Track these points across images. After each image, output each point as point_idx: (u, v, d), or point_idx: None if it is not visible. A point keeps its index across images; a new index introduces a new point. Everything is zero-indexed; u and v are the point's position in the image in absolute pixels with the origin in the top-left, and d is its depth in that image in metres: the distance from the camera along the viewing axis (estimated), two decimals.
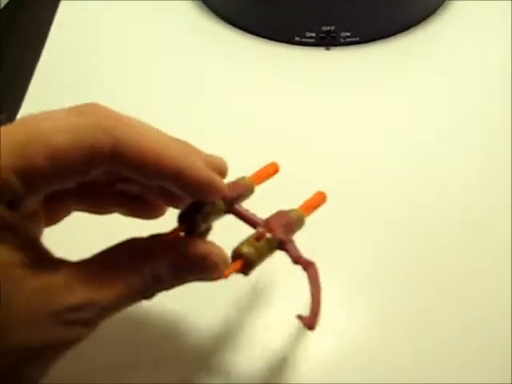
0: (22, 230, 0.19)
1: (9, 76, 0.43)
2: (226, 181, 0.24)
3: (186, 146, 0.23)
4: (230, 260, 0.23)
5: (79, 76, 0.43)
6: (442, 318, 0.28)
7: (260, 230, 0.24)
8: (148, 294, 0.21)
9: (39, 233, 0.23)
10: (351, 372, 0.26)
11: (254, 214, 0.25)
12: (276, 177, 0.27)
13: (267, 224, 0.24)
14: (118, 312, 0.20)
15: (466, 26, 0.47)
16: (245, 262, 0.22)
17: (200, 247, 0.22)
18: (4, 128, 0.19)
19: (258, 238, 0.23)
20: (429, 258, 0.31)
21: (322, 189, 0.27)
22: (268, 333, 0.27)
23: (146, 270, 0.21)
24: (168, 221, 0.24)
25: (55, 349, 0.19)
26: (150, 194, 0.25)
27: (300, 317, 0.23)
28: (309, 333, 0.23)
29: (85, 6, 0.50)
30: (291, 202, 0.25)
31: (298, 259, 0.24)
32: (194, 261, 0.22)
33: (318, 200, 0.26)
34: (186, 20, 0.49)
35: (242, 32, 0.47)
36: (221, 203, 0.24)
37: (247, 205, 0.25)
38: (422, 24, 0.47)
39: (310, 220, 0.25)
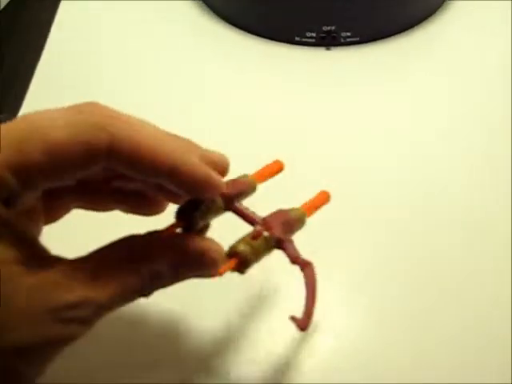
0: (19, 227, 0.19)
1: (9, 76, 0.43)
2: (228, 179, 0.24)
3: (184, 142, 0.22)
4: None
5: (79, 76, 0.43)
6: (442, 318, 0.28)
7: (257, 228, 0.23)
8: (146, 291, 0.21)
9: (37, 230, 0.23)
10: (351, 372, 0.26)
11: (253, 213, 0.25)
12: (276, 176, 0.27)
13: (265, 223, 0.24)
14: (115, 309, 0.20)
15: (465, 26, 0.47)
16: (240, 260, 0.22)
17: (198, 244, 0.22)
18: (3, 125, 0.19)
19: (255, 236, 0.23)
20: (429, 257, 0.31)
21: (322, 188, 0.27)
22: (271, 337, 0.27)
23: (143, 268, 0.21)
24: (167, 217, 0.24)
25: (52, 346, 0.19)
26: (149, 190, 0.25)
27: (293, 318, 0.22)
28: (310, 334, 0.23)
29: (85, 6, 0.50)
30: (290, 201, 0.25)
31: (295, 259, 0.24)
32: (193, 257, 0.22)
33: (321, 199, 0.26)
34: (186, 20, 0.49)
35: (242, 32, 0.47)
36: (220, 200, 0.24)
37: (248, 203, 0.25)
38: (422, 24, 0.47)
39: (310, 219, 0.25)
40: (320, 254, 0.25)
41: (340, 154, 0.37)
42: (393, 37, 0.46)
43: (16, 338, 0.18)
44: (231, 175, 0.25)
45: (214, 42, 0.47)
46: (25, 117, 0.20)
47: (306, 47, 0.45)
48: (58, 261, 0.20)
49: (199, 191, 0.22)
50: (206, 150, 0.23)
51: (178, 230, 0.23)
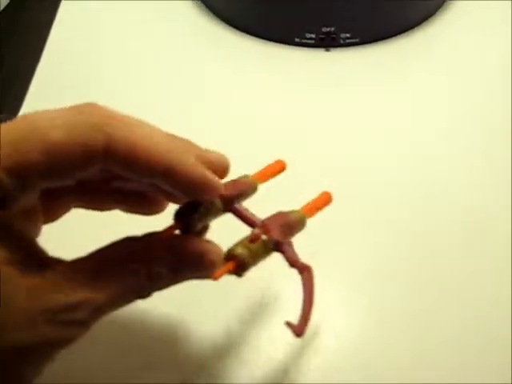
0: (16, 228, 0.19)
1: (9, 76, 0.43)
2: (228, 179, 0.24)
3: (182, 142, 0.22)
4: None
5: (79, 76, 0.43)
6: (442, 318, 0.28)
7: (256, 231, 0.23)
8: (144, 293, 0.21)
9: (36, 230, 0.23)
10: (351, 372, 0.26)
11: (253, 214, 0.24)
12: (276, 177, 0.27)
13: (264, 225, 0.23)
14: (113, 311, 0.20)
15: (465, 27, 0.47)
16: (237, 263, 0.22)
17: (197, 245, 0.22)
18: (2, 125, 0.19)
19: (253, 239, 0.23)
20: (429, 257, 0.31)
21: (322, 189, 0.27)
22: (272, 341, 0.27)
23: (141, 269, 0.21)
24: (168, 217, 0.24)
25: (50, 347, 0.19)
26: (148, 191, 0.24)
27: (288, 324, 0.22)
28: (310, 334, 0.23)
29: (85, 7, 0.50)
30: (289, 201, 0.25)
31: (294, 262, 0.23)
32: (191, 259, 0.22)
33: (322, 200, 0.26)
34: (186, 21, 0.49)
35: (242, 33, 0.47)
36: (219, 202, 0.24)
37: (247, 203, 0.25)
38: (422, 25, 0.47)
39: (310, 219, 0.25)
40: (320, 253, 0.25)
41: (340, 154, 0.37)
42: (392, 38, 0.46)
43: (15, 338, 0.18)
44: (231, 176, 0.24)
45: (214, 43, 0.47)
46: (23, 117, 0.20)
47: (305, 48, 0.45)
48: (56, 262, 0.20)
49: (196, 193, 0.22)
50: (206, 151, 0.23)
51: (177, 232, 0.23)
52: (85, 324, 0.20)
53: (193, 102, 0.41)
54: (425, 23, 0.48)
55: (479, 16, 0.48)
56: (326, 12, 0.44)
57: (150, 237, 0.22)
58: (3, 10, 0.49)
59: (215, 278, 0.22)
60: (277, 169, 0.26)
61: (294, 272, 0.24)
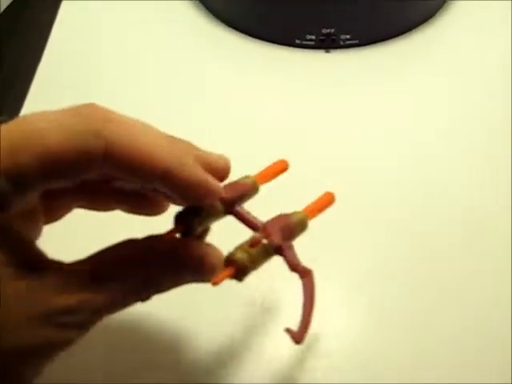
0: (14, 229, 0.19)
1: (9, 77, 0.43)
2: (229, 180, 0.24)
3: (181, 144, 0.22)
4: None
5: (79, 76, 0.43)
6: (442, 318, 0.28)
7: (256, 235, 0.23)
8: (143, 296, 0.21)
9: (37, 230, 0.23)
10: (351, 372, 0.26)
11: (254, 217, 0.24)
12: (278, 177, 0.26)
13: (265, 229, 0.23)
14: (113, 313, 0.20)
15: (465, 27, 0.47)
16: (237, 268, 0.22)
17: (197, 249, 0.22)
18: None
19: (253, 243, 0.22)
20: (429, 257, 0.31)
21: (322, 189, 0.26)
22: (272, 345, 0.27)
23: (141, 273, 0.20)
24: (169, 218, 0.24)
25: (49, 349, 0.19)
26: (149, 192, 0.24)
27: (288, 330, 0.22)
28: (310, 334, 0.23)
29: (85, 7, 0.50)
30: (289, 202, 0.25)
31: (295, 266, 0.23)
32: (191, 263, 0.22)
33: (325, 201, 0.25)
34: (186, 21, 0.49)
35: (242, 35, 0.47)
36: (219, 205, 0.23)
37: (247, 203, 0.25)
38: (422, 26, 0.47)
39: (310, 220, 0.25)
40: (320, 253, 0.25)
41: (340, 155, 0.37)
42: (392, 39, 0.46)
43: (14, 340, 0.18)
44: (231, 176, 0.24)
45: (214, 44, 0.47)
46: (21, 119, 0.19)
47: (305, 50, 0.45)
48: (55, 264, 0.20)
49: (195, 197, 0.22)
50: (206, 153, 0.23)
51: (177, 235, 0.23)
52: (84, 326, 0.20)
53: (193, 103, 0.41)
54: (424, 24, 0.48)
55: (479, 16, 0.48)
56: (326, 13, 0.44)
57: (151, 240, 0.22)
58: (5, 10, 0.49)
59: (215, 284, 0.21)
60: (279, 168, 0.26)
61: (296, 275, 0.24)
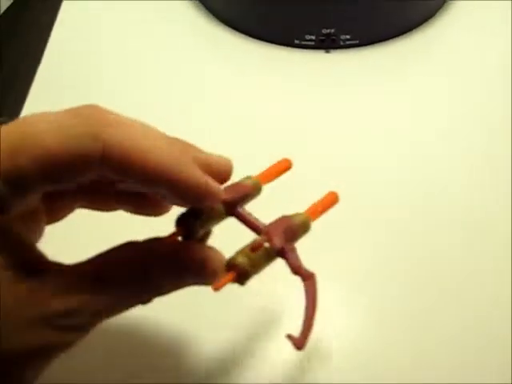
0: (14, 231, 0.19)
1: (9, 78, 0.43)
2: (231, 181, 0.24)
3: (181, 146, 0.22)
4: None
5: (79, 76, 0.43)
6: (442, 318, 0.28)
7: (258, 239, 0.23)
8: (144, 299, 0.21)
9: (39, 231, 0.23)
10: (351, 372, 0.26)
11: (256, 219, 0.24)
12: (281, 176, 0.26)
13: (267, 232, 0.23)
14: (113, 316, 0.20)
15: (465, 27, 0.47)
16: (238, 273, 0.22)
17: (198, 252, 0.22)
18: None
19: (254, 247, 0.22)
20: (429, 258, 0.31)
21: (322, 189, 0.26)
22: (273, 346, 0.27)
23: (142, 275, 0.20)
24: (170, 223, 0.24)
25: (49, 351, 0.19)
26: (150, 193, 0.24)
27: (289, 336, 0.22)
28: (312, 336, 0.23)
29: (85, 7, 0.50)
30: (289, 202, 0.25)
31: (297, 269, 0.23)
32: (193, 266, 0.21)
33: (329, 201, 0.25)
34: (186, 21, 0.49)
35: (241, 35, 0.47)
36: (220, 207, 0.23)
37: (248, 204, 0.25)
38: (422, 26, 0.47)
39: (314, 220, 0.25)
40: (320, 253, 0.25)
41: (340, 155, 0.37)
42: (392, 39, 0.46)
43: (14, 342, 0.18)
44: (232, 176, 0.24)
45: (214, 45, 0.47)
46: (21, 120, 0.19)
47: (305, 50, 0.45)
48: (56, 266, 0.20)
49: (194, 201, 0.21)
50: (207, 154, 0.23)
51: (179, 238, 0.22)
52: (84, 328, 0.19)
53: (192, 103, 0.41)
54: (424, 24, 0.48)
55: (479, 16, 0.48)
56: (326, 14, 0.44)
57: (152, 242, 0.21)
58: (5, 11, 0.49)
59: (216, 289, 0.21)
60: (282, 167, 0.26)
61: (298, 278, 0.23)
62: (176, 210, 0.23)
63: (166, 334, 0.28)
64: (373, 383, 0.26)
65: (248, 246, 0.22)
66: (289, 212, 0.24)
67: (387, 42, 0.46)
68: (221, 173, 0.23)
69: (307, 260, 0.24)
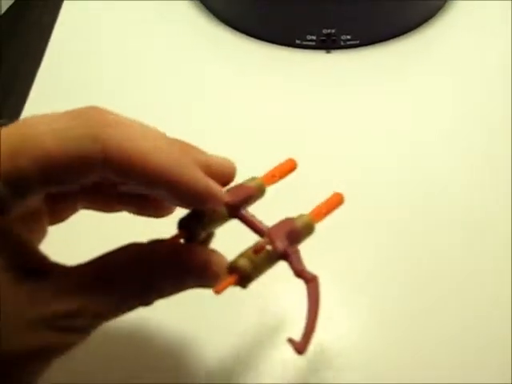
0: (15, 232, 0.19)
1: (10, 79, 0.43)
2: (235, 183, 0.24)
3: (182, 148, 0.22)
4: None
5: (80, 77, 0.43)
6: (442, 318, 0.28)
7: (261, 241, 0.22)
8: (146, 301, 0.21)
9: (42, 232, 0.23)
10: (351, 372, 0.26)
11: (259, 221, 0.23)
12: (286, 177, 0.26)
13: (270, 234, 0.23)
14: (113, 319, 0.20)
15: (465, 27, 0.47)
16: (240, 275, 0.21)
17: (200, 255, 0.22)
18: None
19: (257, 249, 0.22)
20: (429, 258, 0.31)
21: (323, 189, 0.26)
22: (273, 346, 0.27)
23: (143, 278, 0.20)
24: (172, 225, 0.23)
25: (49, 353, 0.19)
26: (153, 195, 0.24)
27: (290, 340, 0.21)
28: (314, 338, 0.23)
29: (85, 7, 0.50)
30: (289, 202, 0.25)
31: (300, 272, 0.22)
32: (195, 269, 0.21)
33: (334, 202, 0.25)
34: (186, 21, 0.49)
35: (242, 35, 0.47)
36: (223, 209, 0.23)
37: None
38: (423, 26, 0.47)
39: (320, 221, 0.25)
40: (321, 254, 0.25)
41: (341, 155, 0.37)
42: (393, 39, 0.46)
43: (14, 344, 0.18)
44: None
45: (215, 45, 0.47)
46: (22, 122, 0.19)
47: (306, 50, 0.45)
48: (57, 267, 0.20)
49: (195, 202, 0.21)
50: (210, 156, 0.22)
51: (181, 241, 0.22)
52: (85, 330, 0.19)
53: (193, 103, 0.41)
54: (425, 24, 0.48)
55: (479, 16, 0.48)
56: (327, 14, 0.44)
57: (154, 244, 0.21)
58: (5, 11, 0.49)
59: (217, 293, 0.21)
60: (288, 168, 0.25)
61: (301, 281, 0.23)
62: (179, 212, 0.23)
63: (166, 336, 0.28)
64: (374, 383, 0.26)
65: (250, 248, 0.22)
66: (290, 213, 0.24)
67: (388, 42, 0.46)
68: (223, 175, 0.23)
69: (308, 260, 0.24)
